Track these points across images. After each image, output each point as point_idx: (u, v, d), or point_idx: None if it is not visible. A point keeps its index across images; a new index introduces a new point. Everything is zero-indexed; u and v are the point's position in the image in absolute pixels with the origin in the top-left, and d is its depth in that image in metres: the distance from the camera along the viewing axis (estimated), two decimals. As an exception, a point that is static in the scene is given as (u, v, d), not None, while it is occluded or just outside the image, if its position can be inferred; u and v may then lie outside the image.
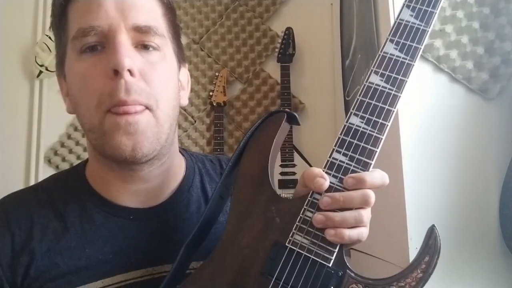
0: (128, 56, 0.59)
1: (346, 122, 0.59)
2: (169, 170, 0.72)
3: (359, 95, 0.59)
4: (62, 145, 2.18)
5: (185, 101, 0.73)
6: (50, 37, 2.10)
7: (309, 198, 0.58)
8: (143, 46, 0.63)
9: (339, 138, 0.59)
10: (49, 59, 2.08)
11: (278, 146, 0.65)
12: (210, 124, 2.19)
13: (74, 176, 0.72)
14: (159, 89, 0.63)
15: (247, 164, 0.63)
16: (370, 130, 0.58)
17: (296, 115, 0.65)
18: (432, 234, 0.57)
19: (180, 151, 0.78)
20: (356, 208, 0.56)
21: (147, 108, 0.61)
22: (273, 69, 2.17)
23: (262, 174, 0.61)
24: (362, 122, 0.58)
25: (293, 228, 0.57)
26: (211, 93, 2.14)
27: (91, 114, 0.61)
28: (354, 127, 0.58)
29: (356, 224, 0.55)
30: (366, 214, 0.56)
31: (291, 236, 0.57)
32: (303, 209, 0.57)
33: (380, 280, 0.55)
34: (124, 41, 0.60)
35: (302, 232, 0.56)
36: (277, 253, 0.56)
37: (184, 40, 2.26)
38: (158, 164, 0.68)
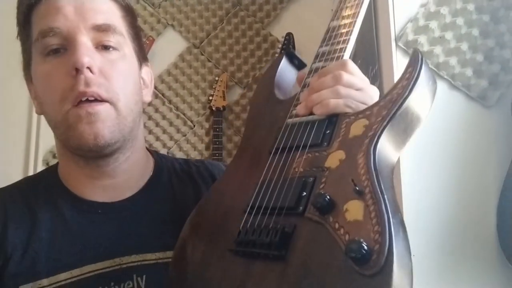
0: (87, 55, 0.63)
1: (317, 52, 0.69)
2: (135, 166, 0.75)
3: (324, 35, 0.71)
4: (61, 147, 2.18)
5: (148, 98, 0.77)
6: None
7: (302, 83, 0.67)
8: (103, 47, 0.67)
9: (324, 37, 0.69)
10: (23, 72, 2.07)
11: (286, 83, 0.74)
12: (209, 128, 2.19)
13: (46, 175, 0.75)
14: (119, 84, 0.67)
15: (255, 96, 0.79)
16: (335, 47, 0.67)
17: (294, 52, 0.76)
18: (413, 52, 0.59)
19: (150, 152, 0.81)
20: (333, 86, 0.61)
21: (107, 101, 0.65)
22: (273, 74, 2.17)
23: (268, 94, 0.72)
24: (328, 46, 0.68)
25: (291, 107, 0.65)
26: (210, 98, 2.14)
27: (55, 110, 0.65)
28: (322, 51, 0.68)
29: (337, 96, 0.59)
30: (345, 89, 0.59)
31: (290, 113, 0.64)
32: (298, 92, 0.66)
33: (369, 105, 0.58)
34: (84, 41, 0.64)
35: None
36: (279, 132, 0.63)
37: (184, 44, 2.27)
38: (123, 159, 0.71)
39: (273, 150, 0.61)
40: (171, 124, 2.20)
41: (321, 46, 0.68)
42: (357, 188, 0.46)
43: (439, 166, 1.14)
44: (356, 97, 0.59)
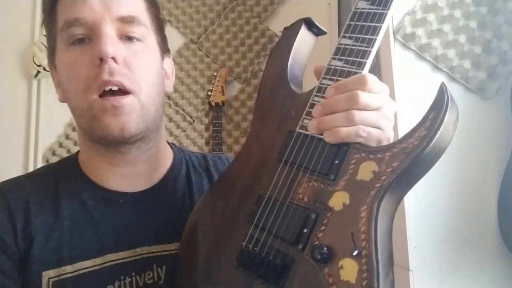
0: (112, 44, 0.64)
1: (339, 43, 0.61)
2: (156, 156, 0.76)
3: (348, 21, 0.62)
4: (60, 145, 2.18)
5: (169, 89, 0.78)
6: (48, 37, 2.10)
7: (318, 85, 0.61)
8: (127, 38, 0.68)
9: (337, 47, 0.62)
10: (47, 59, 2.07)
11: (303, 52, 0.69)
12: (208, 124, 2.19)
13: (67, 163, 0.76)
14: (142, 75, 0.67)
15: (267, 72, 0.69)
16: (359, 45, 0.60)
17: (312, 19, 0.69)
18: (440, 90, 0.53)
19: (169, 144, 0.83)
20: (347, 110, 0.56)
21: (130, 92, 0.66)
22: (271, 68, 2.17)
23: (281, 77, 0.66)
24: (352, 40, 0.60)
25: (303, 114, 0.60)
26: (209, 93, 2.14)
27: (79, 99, 0.66)
28: (344, 46, 0.61)
29: (349, 124, 0.56)
30: (360, 114, 0.56)
31: (301, 122, 0.60)
32: (312, 95, 0.61)
33: (383, 146, 0.55)
34: (109, 31, 0.65)
35: (310, 116, 0.59)
36: (289, 139, 0.60)
37: (182, 40, 2.26)
38: (145, 148, 0.72)
39: (282, 161, 0.60)
40: (170, 120, 2.20)
41: (343, 36, 0.61)
42: (355, 248, 0.48)
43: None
44: (370, 121, 0.56)
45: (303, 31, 0.68)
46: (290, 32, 0.69)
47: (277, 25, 2.18)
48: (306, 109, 0.60)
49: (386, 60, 1.22)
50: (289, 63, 0.67)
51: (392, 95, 1.17)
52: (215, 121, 2.11)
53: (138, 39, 0.68)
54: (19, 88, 2.19)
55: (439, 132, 0.50)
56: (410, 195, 1.11)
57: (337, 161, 0.55)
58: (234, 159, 0.69)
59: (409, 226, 1.10)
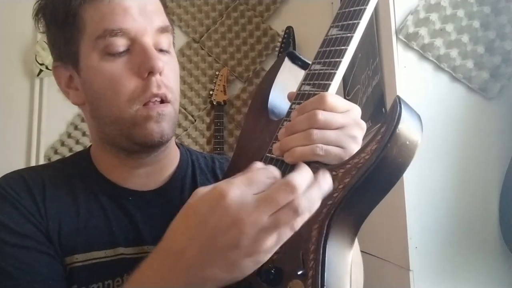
0: (160, 59, 0.66)
1: (309, 69, 0.63)
2: (167, 156, 0.78)
3: (319, 48, 0.64)
4: (63, 143, 2.18)
5: None
6: (50, 36, 2.10)
7: (288, 110, 0.63)
8: (159, 50, 0.70)
9: (307, 74, 0.63)
10: (50, 58, 2.07)
11: (288, 84, 0.71)
12: (210, 123, 2.19)
13: (79, 158, 0.78)
14: (174, 85, 0.71)
15: (254, 100, 0.73)
16: (325, 69, 0.61)
17: (295, 52, 0.72)
18: (393, 103, 0.52)
19: (176, 144, 0.84)
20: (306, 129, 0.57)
21: (169, 102, 0.69)
22: (273, 68, 2.17)
23: (262, 105, 0.69)
24: (320, 64, 0.62)
25: (273, 139, 0.62)
26: (211, 92, 2.14)
27: (119, 109, 0.68)
28: (313, 71, 0.62)
29: (307, 142, 0.56)
30: (318, 133, 0.55)
31: (270, 146, 0.61)
32: (282, 120, 0.63)
33: (338, 163, 0.54)
34: (151, 44, 0.68)
35: (277, 140, 0.60)
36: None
37: (184, 39, 2.26)
38: (162, 149, 0.74)
39: None
40: (172, 119, 2.20)
41: (313, 62, 0.63)
42: (302, 270, 0.48)
43: (440, 158, 1.14)
44: (330, 140, 0.55)
45: (287, 63, 0.71)
46: (274, 66, 0.73)
47: (279, 24, 2.17)
48: (276, 133, 0.62)
49: (389, 59, 1.21)
50: (270, 94, 0.69)
51: (394, 95, 1.17)
52: (216, 120, 2.11)
53: (167, 51, 0.71)
54: (21, 87, 2.19)
55: (390, 145, 0.49)
56: (411, 195, 1.11)
57: None
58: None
59: (409, 226, 1.10)
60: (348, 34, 0.60)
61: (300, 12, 2.17)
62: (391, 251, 1.20)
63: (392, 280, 1.17)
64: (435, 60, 1.18)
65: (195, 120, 2.21)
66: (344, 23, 0.62)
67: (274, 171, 0.48)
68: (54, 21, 0.72)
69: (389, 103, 1.21)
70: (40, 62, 2.09)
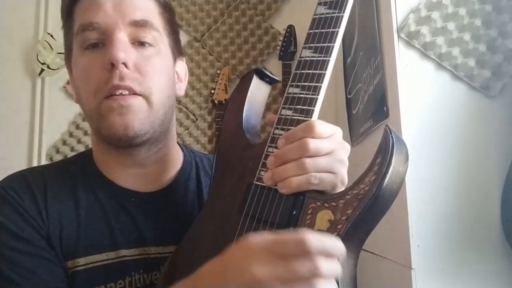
0: (123, 50, 0.66)
1: (287, 92, 0.63)
2: (166, 158, 0.77)
3: (294, 70, 0.64)
4: (64, 143, 2.19)
5: (181, 92, 0.80)
6: (52, 35, 2.10)
7: (270, 136, 0.62)
8: (139, 43, 0.70)
9: (286, 97, 0.63)
10: (51, 57, 2.08)
11: (258, 102, 0.71)
12: (211, 122, 2.19)
13: (82, 159, 0.79)
14: (153, 79, 0.70)
15: (224, 126, 0.72)
16: (305, 94, 0.61)
17: (264, 69, 0.72)
18: (384, 133, 0.54)
19: (180, 146, 0.84)
20: (298, 158, 0.57)
21: (140, 95, 0.68)
22: (274, 67, 2.16)
23: (237, 128, 0.68)
24: (299, 88, 0.62)
25: (259, 166, 0.62)
26: (212, 91, 2.14)
27: (89, 101, 0.69)
28: (292, 95, 0.62)
29: (301, 172, 0.56)
30: (310, 161, 0.56)
31: (258, 174, 0.61)
32: (266, 146, 0.62)
33: (337, 193, 0.56)
34: (121, 37, 0.68)
35: (266, 167, 0.61)
36: (248, 192, 0.61)
37: (185, 38, 2.26)
38: (154, 150, 0.74)
39: (243, 215, 0.61)
40: (173, 118, 2.20)
41: (291, 85, 0.63)
42: None
43: (441, 157, 1.14)
44: (322, 167, 0.57)
45: (255, 81, 0.71)
46: (243, 84, 0.72)
47: (280, 23, 2.17)
48: (262, 160, 0.62)
49: (390, 58, 1.21)
50: (243, 114, 0.69)
51: (395, 93, 1.17)
52: (218, 119, 2.11)
53: (150, 44, 0.70)
54: (23, 86, 2.20)
55: (388, 175, 0.52)
56: (413, 194, 1.11)
57: (294, 212, 0.56)
58: (198, 218, 0.69)
59: (411, 225, 1.09)
60: (324, 58, 0.61)
61: (302, 11, 2.17)
62: (393, 249, 1.20)
63: (394, 278, 1.17)
64: (436, 59, 1.18)
65: (197, 119, 2.21)
66: (318, 45, 0.62)
67: None
68: (63, 26, 0.75)
69: (390, 101, 1.21)
70: (42, 62, 2.09)
